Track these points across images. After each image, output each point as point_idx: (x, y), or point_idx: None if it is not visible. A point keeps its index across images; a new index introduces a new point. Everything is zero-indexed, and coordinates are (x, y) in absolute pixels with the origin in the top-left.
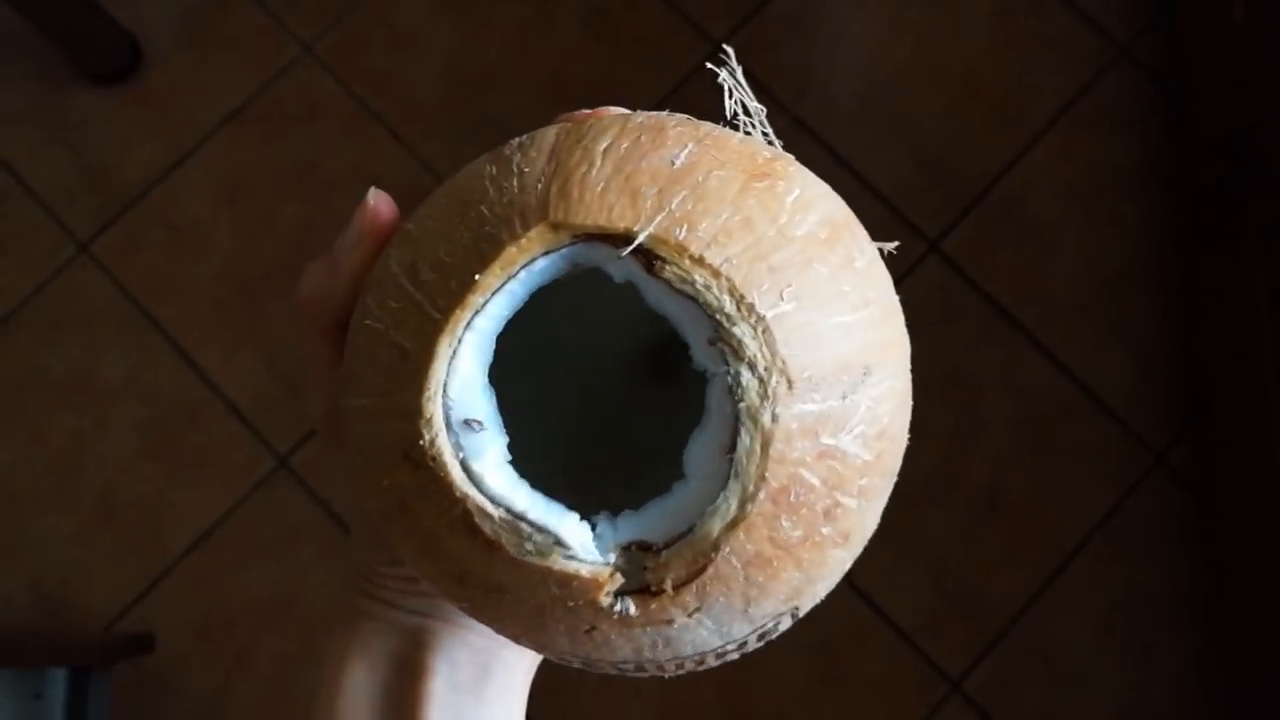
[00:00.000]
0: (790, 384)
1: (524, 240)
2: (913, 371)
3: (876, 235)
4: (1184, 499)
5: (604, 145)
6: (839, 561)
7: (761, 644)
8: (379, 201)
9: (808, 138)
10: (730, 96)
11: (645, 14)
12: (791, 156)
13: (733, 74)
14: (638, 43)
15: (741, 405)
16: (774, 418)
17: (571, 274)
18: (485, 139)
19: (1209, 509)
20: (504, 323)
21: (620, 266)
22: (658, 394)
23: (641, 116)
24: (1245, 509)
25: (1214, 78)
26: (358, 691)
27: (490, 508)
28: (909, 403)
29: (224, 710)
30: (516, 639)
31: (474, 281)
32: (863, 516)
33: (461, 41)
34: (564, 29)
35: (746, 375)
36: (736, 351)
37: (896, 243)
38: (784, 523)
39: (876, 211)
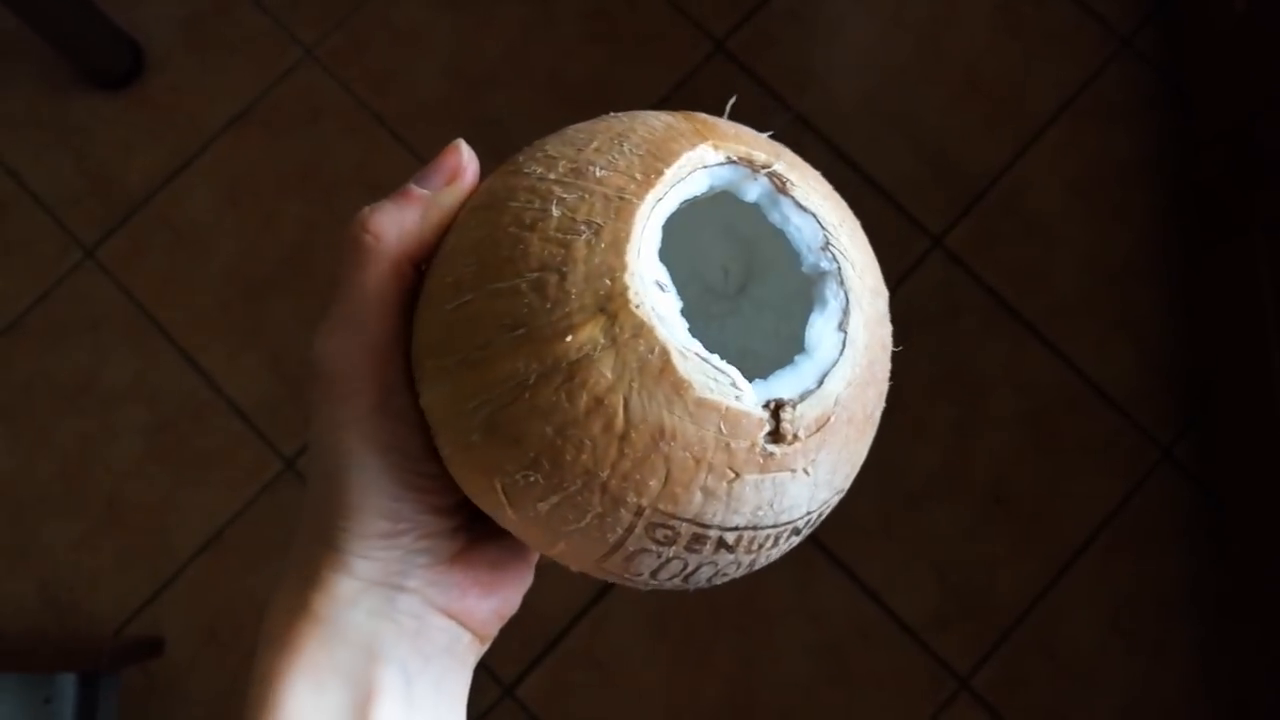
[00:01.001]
0: (867, 285)
1: (694, 152)
2: (916, 367)
3: (880, 232)
4: (1191, 493)
5: (722, 122)
6: (864, 453)
7: (800, 540)
8: (470, 154)
9: (810, 134)
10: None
11: (646, 12)
12: None
13: None
14: (639, 41)
15: (850, 293)
16: (869, 303)
17: (707, 194)
18: (487, 139)
19: (1216, 503)
20: (666, 219)
21: (757, 186)
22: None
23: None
24: (1252, 502)
25: (1216, 69)
26: (306, 715)
27: (686, 348)
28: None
29: (233, 713)
30: (636, 515)
31: (661, 171)
32: (879, 414)
33: (463, 42)
34: (565, 28)
35: (850, 271)
36: (845, 254)
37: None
38: (870, 392)
39: (879, 208)
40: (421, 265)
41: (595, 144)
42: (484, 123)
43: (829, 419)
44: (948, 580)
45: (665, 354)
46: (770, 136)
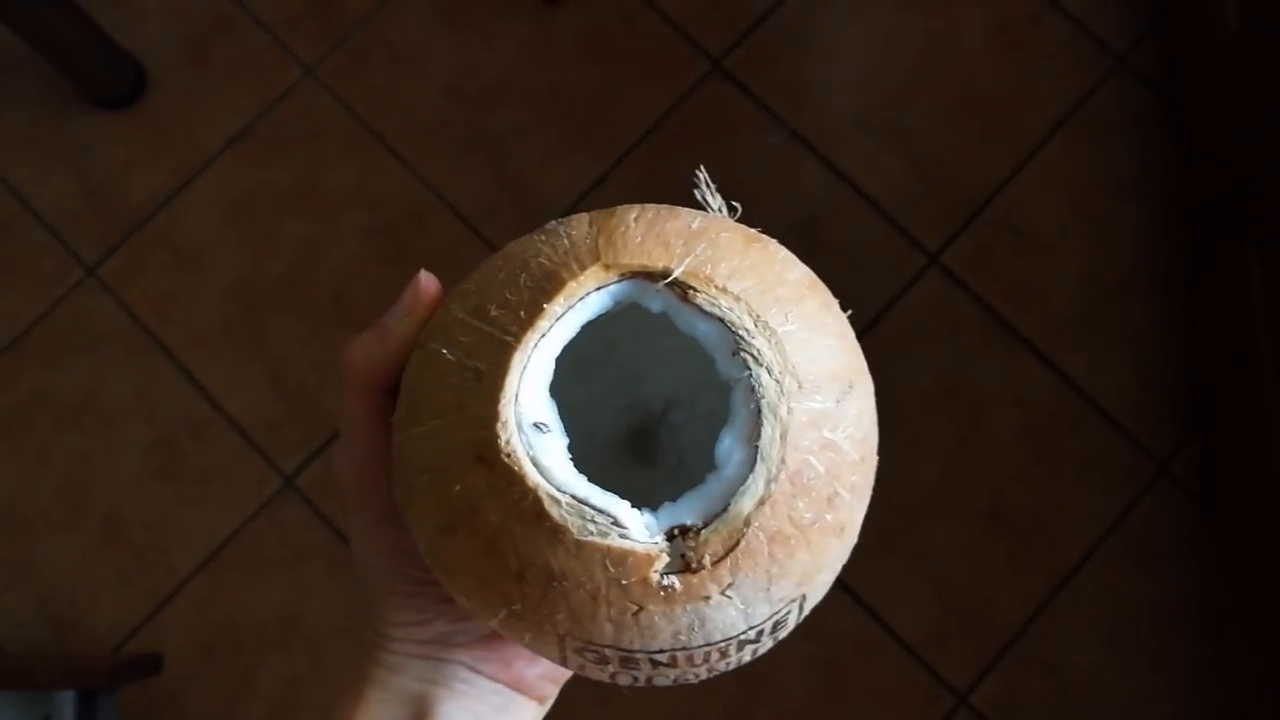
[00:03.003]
0: (799, 384)
1: (582, 276)
2: (914, 382)
3: (876, 249)
4: (1188, 508)
5: (633, 215)
6: (836, 553)
7: (774, 642)
8: (428, 280)
9: (807, 152)
10: (713, 197)
11: (644, 31)
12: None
13: (708, 185)
14: (637, 60)
15: (763, 401)
16: (789, 410)
17: (613, 312)
18: (486, 157)
19: (1213, 518)
20: (562, 348)
21: (658, 298)
22: (637, 472)
23: (654, 205)
24: (1249, 517)
25: (1211, 86)
26: None
27: (558, 494)
28: (876, 428)
29: None
30: (560, 641)
31: (542, 309)
32: (853, 512)
33: (462, 61)
34: (563, 47)
35: (765, 376)
36: (756, 358)
37: (850, 311)
38: (799, 503)
39: (876, 225)
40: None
41: (502, 275)
42: (483, 141)
43: (739, 541)
44: (946, 596)
45: (537, 500)
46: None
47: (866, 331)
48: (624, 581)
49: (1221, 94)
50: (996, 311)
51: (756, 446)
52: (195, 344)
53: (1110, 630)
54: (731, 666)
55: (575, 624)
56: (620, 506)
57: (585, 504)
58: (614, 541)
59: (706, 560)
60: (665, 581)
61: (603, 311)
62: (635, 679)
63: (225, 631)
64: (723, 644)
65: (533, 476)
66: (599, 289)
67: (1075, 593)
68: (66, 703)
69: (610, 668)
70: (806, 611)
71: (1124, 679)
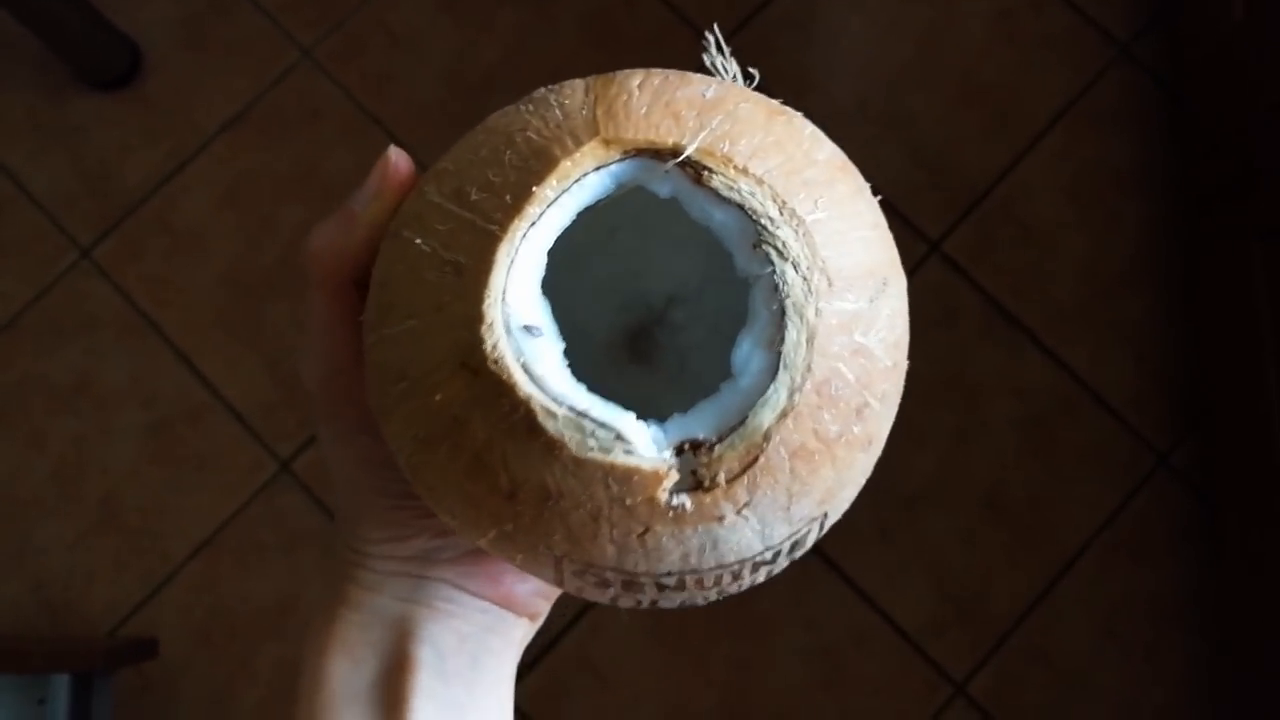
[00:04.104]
0: (830, 282)
1: (578, 155)
2: (913, 373)
3: None
4: (1187, 500)
5: (637, 82)
6: (862, 467)
7: (790, 562)
8: (399, 157)
9: None
10: (728, 62)
11: (645, 16)
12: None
13: (722, 48)
14: (638, 45)
15: (788, 300)
16: (817, 312)
17: (612, 196)
18: None
19: (1212, 510)
20: (554, 238)
21: (667, 181)
22: (634, 376)
23: (660, 69)
24: (1248, 509)
25: (1214, 77)
26: (342, 685)
27: (554, 405)
28: (908, 330)
29: (227, 715)
30: (557, 563)
31: (531, 193)
32: (881, 423)
33: (461, 44)
34: (564, 31)
35: (791, 273)
36: (781, 251)
37: (880, 196)
38: (825, 415)
39: None
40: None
41: (484, 152)
42: None
43: (757, 458)
44: (944, 586)
45: (530, 413)
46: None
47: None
48: (628, 501)
49: (1225, 85)
50: (997, 301)
51: (779, 353)
52: (191, 328)
53: (1108, 621)
54: (744, 588)
55: (574, 546)
56: (625, 419)
57: (585, 417)
58: (618, 458)
59: (721, 478)
60: (675, 501)
61: (602, 196)
62: (639, 602)
63: (221, 616)
64: (735, 566)
65: (524, 386)
66: (598, 169)
67: (1073, 584)
68: (61, 686)
69: (612, 590)
70: (826, 529)
71: (1121, 670)
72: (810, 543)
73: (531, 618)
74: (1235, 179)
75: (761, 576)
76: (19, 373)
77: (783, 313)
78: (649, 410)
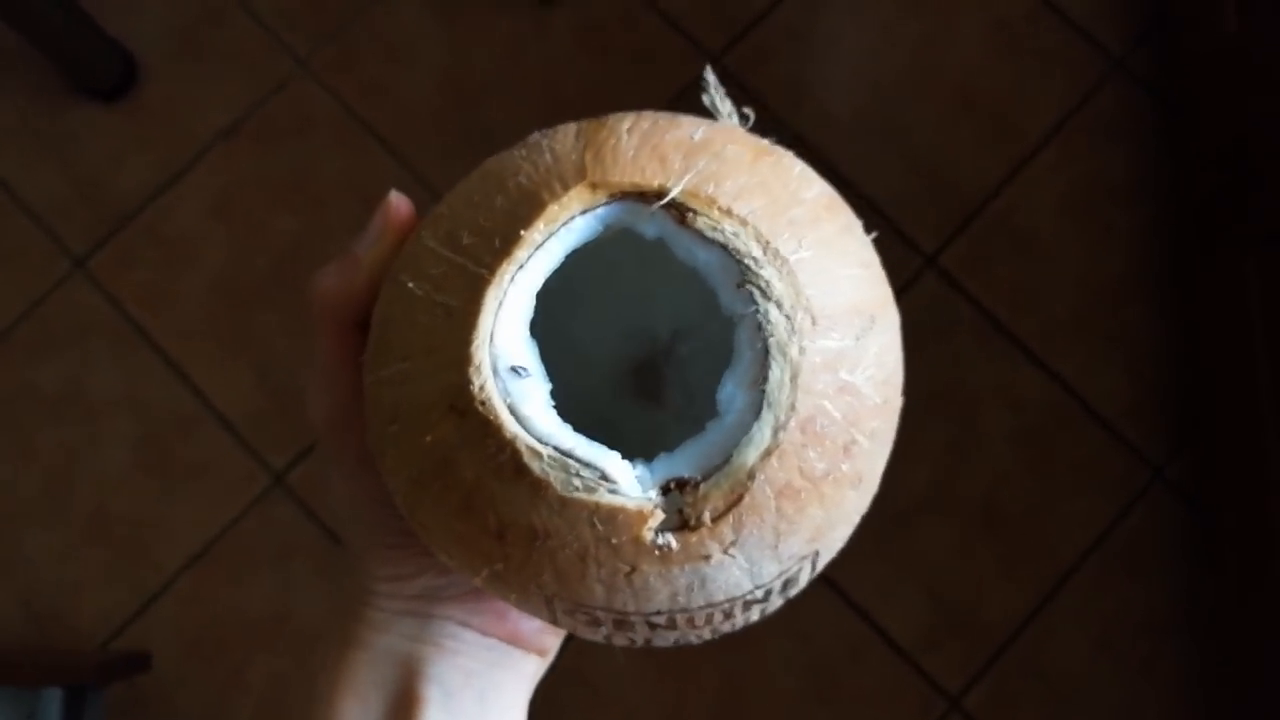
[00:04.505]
0: (814, 320)
1: (565, 198)
2: (909, 385)
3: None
4: (1182, 513)
5: (627, 125)
6: (853, 505)
7: (785, 600)
8: (399, 201)
9: (804, 151)
10: (723, 102)
11: (641, 27)
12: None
13: (718, 89)
14: (633, 56)
15: (771, 339)
16: (801, 350)
17: (604, 237)
18: (479, 152)
19: (1207, 523)
20: (544, 280)
21: (653, 222)
22: (639, 413)
23: (652, 112)
24: (1243, 522)
25: (1209, 89)
26: None
27: (539, 446)
28: (902, 366)
29: None
30: (548, 603)
31: (519, 237)
32: (872, 460)
33: (456, 55)
34: (559, 42)
35: (774, 312)
36: (765, 291)
37: (875, 233)
38: (810, 454)
39: (873, 225)
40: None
41: (476, 197)
42: (476, 136)
43: (742, 496)
44: (938, 599)
45: (516, 453)
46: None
47: None
48: (614, 540)
49: (1220, 97)
50: (992, 314)
51: (763, 391)
52: (184, 338)
53: (1102, 635)
54: (738, 627)
55: (563, 586)
56: (609, 458)
57: (570, 457)
58: (602, 498)
59: (706, 517)
60: (660, 541)
61: (590, 239)
62: (632, 640)
63: (213, 629)
64: (726, 605)
65: (510, 427)
66: (584, 213)
67: (1068, 597)
68: (52, 700)
69: (604, 629)
70: (820, 568)
71: (1115, 684)
72: (804, 581)
73: (541, 653)
74: (1230, 191)
75: (755, 615)
76: (10, 382)
77: (766, 351)
78: (659, 444)
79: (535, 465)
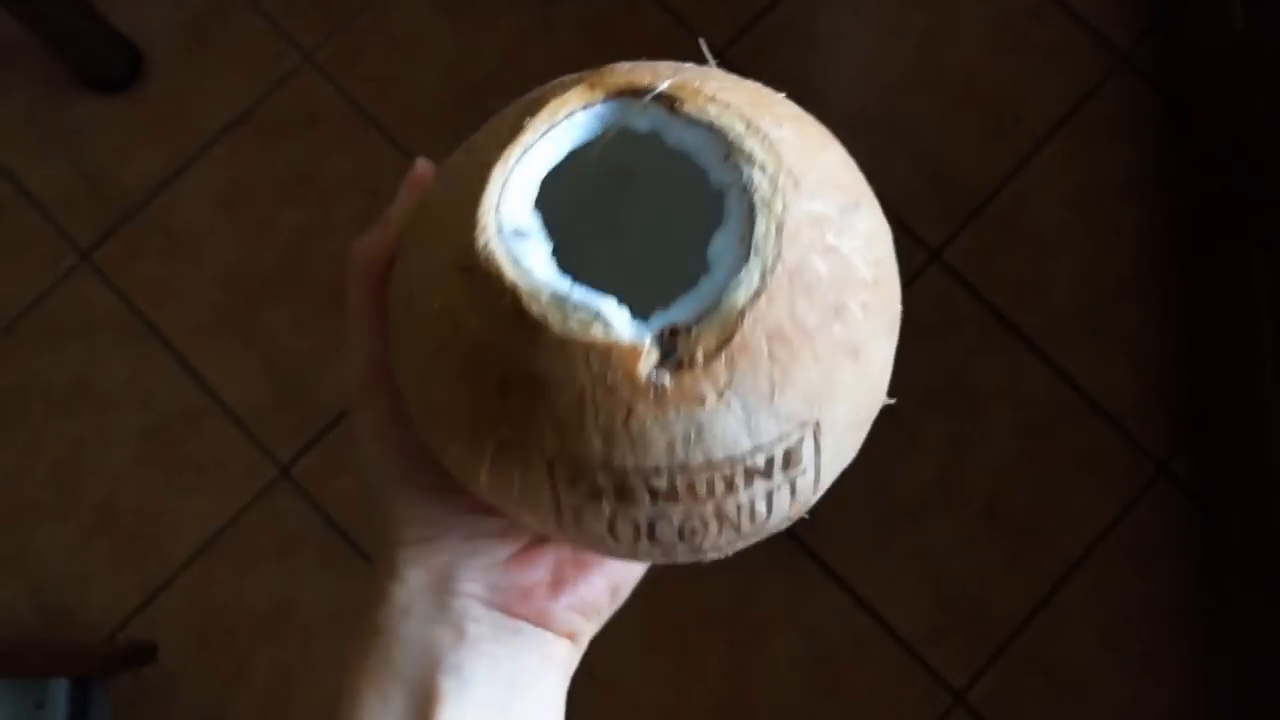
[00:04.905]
0: (797, 184)
1: (566, 95)
2: (913, 379)
3: None
4: (1186, 508)
5: (626, 65)
6: (853, 380)
7: (790, 487)
8: (424, 163)
9: None
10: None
11: (645, 21)
12: None
13: (710, 61)
14: (638, 50)
15: (756, 195)
16: (785, 206)
17: (602, 135)
18: None
19: (1212, 519)
20: (547, 171)
21: (646, 116)
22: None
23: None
24: (1248, 518)
25: (1214, 86)
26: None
27: (538, 289)
28: (894, 261)
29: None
30: (550, 472)
31: (523, 126)
32: (868, 335)
33: (461, 48)
34: (564, 36)
35: (758, 174)
36: (749, 157)
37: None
38: (800, 303)
39: None
40: None
41: (493, 119)
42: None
43: (733, 335)
44: (943, 594)
45: (516, 298)
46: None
47: None
48: (610, 380)
49: (1225, 93)
50: (997, 309)
51: (750, 242)
52: (190, 331)
53: (1107, 630)
54: (744, 514)
55: (562, 440)
56: (604, 301)
57: (567, 300)
58: (597, 335)
59: (699, 356)
60: (655, 378)
61: (590, 137)
62: (636, 527)
63: (219, 621)
64: (727, 467)
65: (511, 274)
66: (585, 109)
67: (1072, 592)
68: (59, 691)
69: (607, 507)
70: (825, 455)
71: (1120, 679)
72: (808, 463)
73: (570, 637)
74: (1235, 187)
75: (762, 504)
76: (17, 375)
77: (752, 208)
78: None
79: (534, 307)
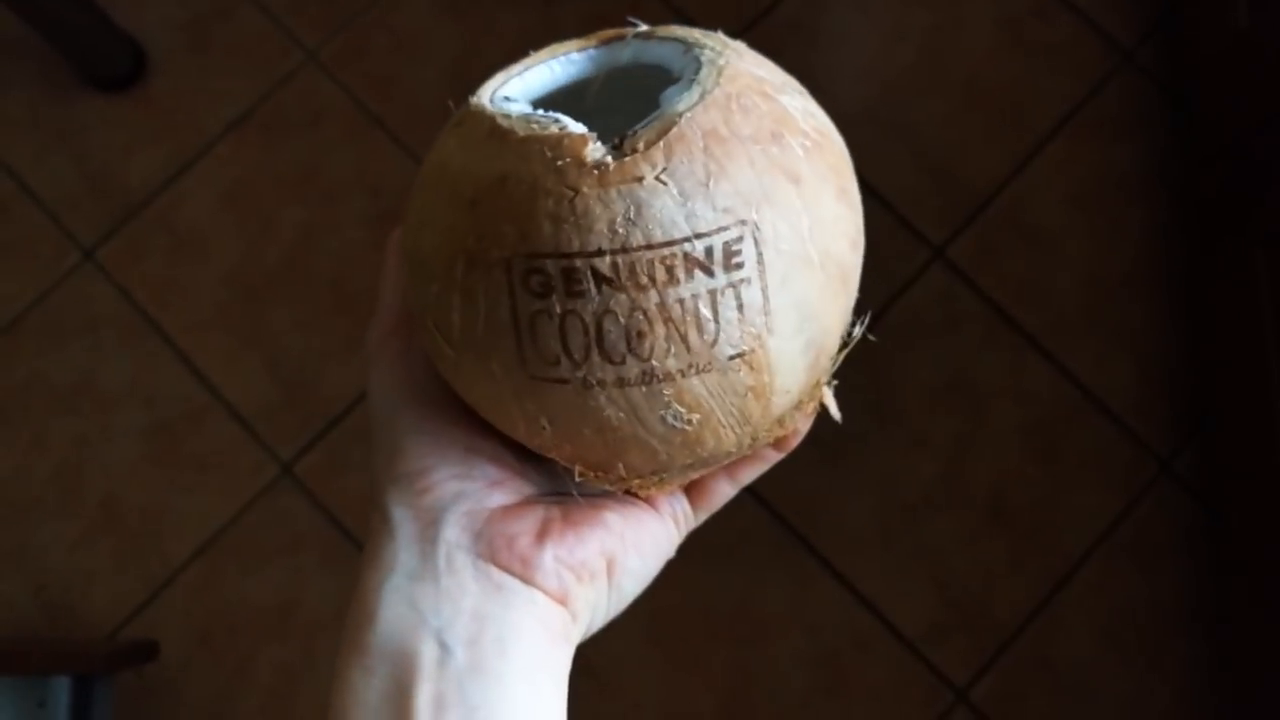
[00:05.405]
0: (741, 55)
1: (565, 42)
2: (916, 377)
3: (881, 242)
4: (1190, 506)
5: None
6: (797, 203)
7: (734, 292)
8: None
9: None
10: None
11: (648, 20)
12: None
13: None
14: None
15: (703, 55)
16: (728, 61)
17: (601, 73)
18: None
19: (1215, 516)
20: (545, 94)
21: (628, 49)
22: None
23: None
24: (1251, 516)
25: (1218, 84)
26: (356, 699)
27: (512, 109)
28: (849, 160)
29: (228, 718)
30: (507, 270)
31: (526, 58)
32: (812, 175)
33: (464, 47)
34: (566, 34)
35: (708, 51)
36: (702, 45)
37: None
38: (736, 117)
39: (880, 218)
40: None
41: None
42: None
43: (672, 128)
44: (945, 592)
45: (492, 119)
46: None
47: (869, 326)
48: (560, 165)
49: (1229, 92)
50: (1000, 307)
51: (692, 80)
52: (193, 329)
53: (1110, 628)
54: (689, 318)
55: (518, 232)
56: (566, 118)
57: (533, 115)
58: (551, 130)
59: (640, 145)
60: (598, 156)
61: (584, 75)
62: (585, 329)
63: (221, 619)
64: (666, 250)
65: (491, 109)
66: (580, 51)
67: (1075, 590)
68: (61, 688)
69: (557, 304)
70: (771, 275)
71: (1123, 677)
72: (748, 263)
73: (560, 599)
74: (1239, 185)
75: (705, 304)
76: (21, 373)
77: (700, 63)
78: None
79: (505, 122)
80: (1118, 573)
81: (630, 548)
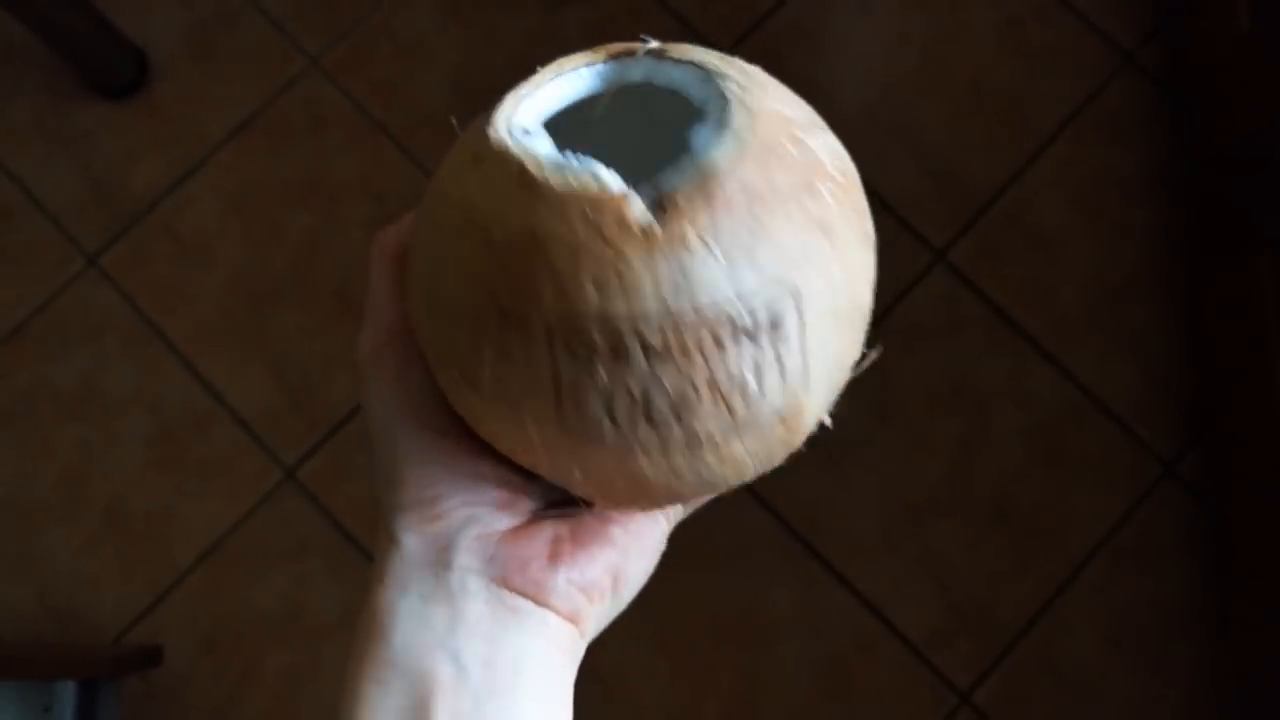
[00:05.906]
0: (765, 90)
1: (574, 56)
2: (919, 380)
3: (883, 246)
4: (1193, 509)
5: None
6: (831, 259)
7: (777, 360)
8: None
9: None
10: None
11: (651, 26)
12: None
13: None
14: None
15: (730, 91)
16: (756, 100)
17: (607, 90)
18: None
19: (1218, 519)
20: (555, 113)
21: (639, 66)
22: None
23: None
24: (1255, 518)
25: (1220, 86)
26: (372, 713)
27: (541, 156)
28: (865, 201)
29: None
30: (548, 338)
31: (535, 74)
32: (838, 218)
33: (467, 53)
34: (569, 40)
35: (732, 84)
36: (722, 74)
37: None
38: (774, 170)
39: (883, 221)
40: None
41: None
42: None
43: (711, 184)
44: (950, 595)
45: (521, 166)
46: None
47: (871, 328)
48: (602, 227)
49: (1231, 94)
50: (1003, 310)
51: (725, 125)
52: (197, 335)
53: (1114, 631)
54: (735, 387)
55: (557, 291)
56: (599, 166)
57: (566, 165)
58: (591, 188)
59: (682, 203)
60: (642, 220)
61: (594, 91)
62: (632, 398)
63: (226, 624)
64: (712, 314)
65: (516, 150)
66: (588, 66)
67: (1079, 593)
68: (67, 693)
69: (603, 372)
70: (810, 338)
71: (1127, 680)
72: (792, 334)
73: (571, 619)
74: (1241, 187)
75: (750, 372)
76: (26, 379)
77: (726, 101)
78: None
79: (538, 173)
80: (1121, 575)
81: (632, 559)
